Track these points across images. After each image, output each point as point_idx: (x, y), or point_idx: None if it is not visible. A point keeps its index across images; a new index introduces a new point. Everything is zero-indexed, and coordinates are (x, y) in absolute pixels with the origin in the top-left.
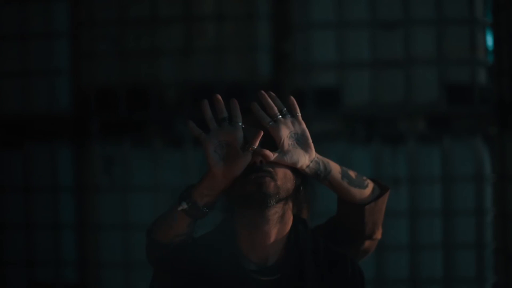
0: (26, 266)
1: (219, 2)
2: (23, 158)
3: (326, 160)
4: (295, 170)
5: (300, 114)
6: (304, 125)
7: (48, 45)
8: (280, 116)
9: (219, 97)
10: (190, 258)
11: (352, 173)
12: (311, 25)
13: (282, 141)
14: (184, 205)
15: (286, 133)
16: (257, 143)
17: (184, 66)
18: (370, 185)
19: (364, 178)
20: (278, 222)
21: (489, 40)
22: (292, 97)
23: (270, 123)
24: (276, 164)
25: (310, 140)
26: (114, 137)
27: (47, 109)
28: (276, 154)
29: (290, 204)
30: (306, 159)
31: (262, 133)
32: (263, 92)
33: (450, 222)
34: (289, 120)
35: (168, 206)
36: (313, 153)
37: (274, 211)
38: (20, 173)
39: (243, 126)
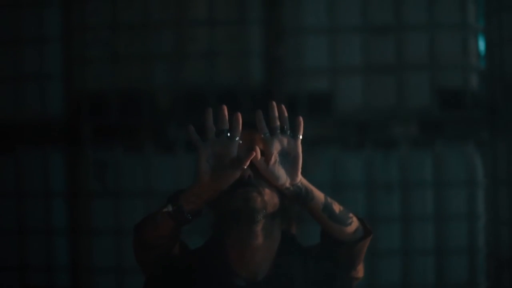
0: (19, 271)
1: (211, 7)
2: (15, 163)
3: (311, 188)
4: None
5: (301, 137)
6: (299, 149)
7: (40, 50)
8: (279, 132)
9: (225, 108)
10: (180, 273)
11: (336, 207)
12: (303, 30)
13: (270, 155)
14: (170, 208)
15: (277, 150)
16: (247, 163)
17: (176, 71)
18: (354, 224)
19: (350, 215)
20: (267, 238)
21: (481, 45)
22: (300, 118)
23: (266, 135)
24: (263, 179)
25: (299, 166)
26: (106, 142)
27: (39, 114)
28: (262, 160)
29: (279, 220)
30: (287, 181)
31: (254, 154)
32: (273, 103)
33: (442, 227)
34: (286, 138)
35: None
36: (297, 179)
37: (262, 227)
38: (12, 178)
39: (240, 141)
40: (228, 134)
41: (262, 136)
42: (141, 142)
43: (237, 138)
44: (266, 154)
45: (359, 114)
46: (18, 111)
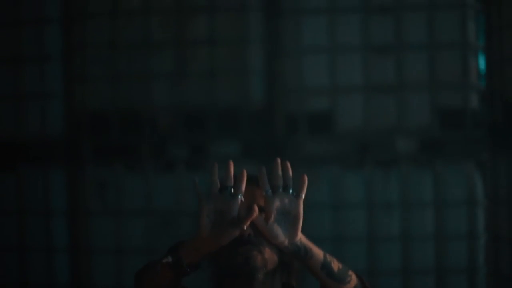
0: None
1: (211, 26)
2: (16, 182)
3: (310, 246)
4: None
5: (303, 196)
6: (300, 209)
7: (40, 69)
8: (281, 190)
9: (231, 164)
10: None
11: (335, 265)
12: (303, 49)
13: (270, 214)
14: (169, 258)
15: (277, 208)
16: (247, 224)
17: (176, 90)
18: (353, 281)
19: (350, 272)
20: None
21: (482, 64)
22: (305, 176)
23: (268, 192)
24: (264, 237)
25: (299, 226)
26: (106, 161)
27: (40, 133)
28: (261, 217)
29: (279, 274)
30: (285, 240)
31: (254, 216)
32: (278, 160)
33: (443, 246)
34: (288, 197)
35: (160, 230)
36: (295, 238)
37: (262, 282)
38: (13, 197)
39: (242, 199)
40: (232, 190)
41: (264, 193)
42: (142, 161)
43: (240, 196)
44: (266, 212)
45: (359, 133)
46: (19, 130)
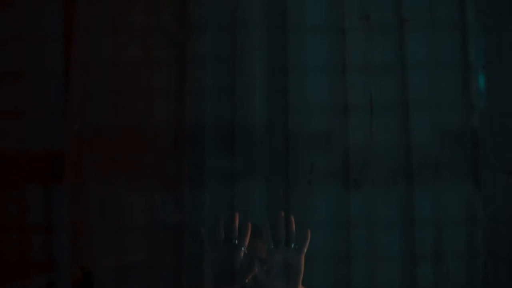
0: None
1: (213, 43)
2: (17, 198)
3: None
4: None
5: (305, 251)
6: (301, 263)
7: (41, 85)
8: (283, 244)
9: (237, 216)
10: None
11: None
12: (305, 68)
13: (271, 267)
14: None
15: (279, 261)
16: (248, 279)
17: (177, 107)
18: None
19: None
20: None
21: (482, 83)
22: (308, 231)
23: (271, 246)
24: None
25: (299, 279)
26: (108, 177)
27: (41, 149)
28: (262, 269)
29: None
30: None
31: (256, 272)
32: (281, 213)
33: (442, 266)
34: (289, 251)
35: (161, 247)
36: None
37: None
38: (14, 213)
39: (246, 251)
40: (236, 242)
41: (266, 246)
42: (144, 177)
43: (243, 248)
44: (267, 264)
45: (359, 151)
46: (20, 146)
